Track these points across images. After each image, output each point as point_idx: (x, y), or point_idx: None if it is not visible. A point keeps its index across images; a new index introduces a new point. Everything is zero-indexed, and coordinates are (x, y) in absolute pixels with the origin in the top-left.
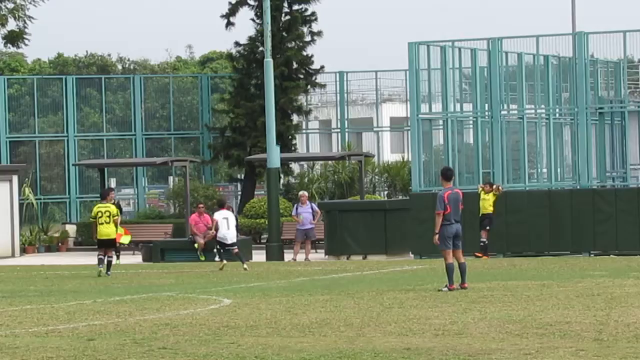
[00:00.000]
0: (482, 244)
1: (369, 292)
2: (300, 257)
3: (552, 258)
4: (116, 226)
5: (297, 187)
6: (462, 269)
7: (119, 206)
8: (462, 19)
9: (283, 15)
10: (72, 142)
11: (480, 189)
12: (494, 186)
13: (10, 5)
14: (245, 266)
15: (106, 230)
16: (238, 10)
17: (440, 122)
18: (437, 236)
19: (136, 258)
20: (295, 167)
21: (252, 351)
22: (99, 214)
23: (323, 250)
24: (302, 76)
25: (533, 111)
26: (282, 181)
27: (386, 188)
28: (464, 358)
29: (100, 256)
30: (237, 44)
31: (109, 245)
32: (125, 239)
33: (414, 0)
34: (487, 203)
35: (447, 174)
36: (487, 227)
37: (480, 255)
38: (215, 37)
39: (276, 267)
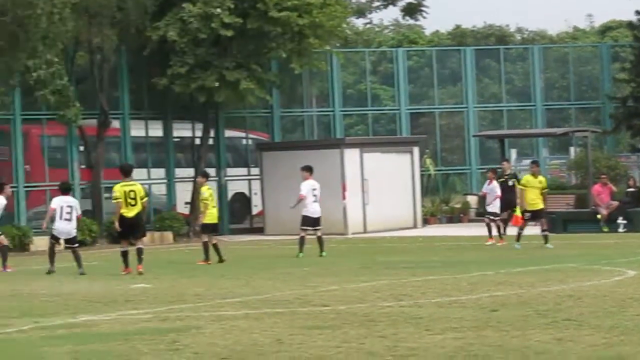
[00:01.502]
0: None
1: None
2: None
3: None
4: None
5: None
6: None
7: (516, 177)
8: None
9: None
10: (471, 113)
11: None
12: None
13: None
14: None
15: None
16: None
17: None
18: None
19: (536, 229)
20: None
21: None
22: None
23: None
24: None
25: None
26: None
27: None
28: None
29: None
30: (637, 12)
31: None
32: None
33: None
34: None
35: None
36: None
37: None
38: (615, 6)
39: None
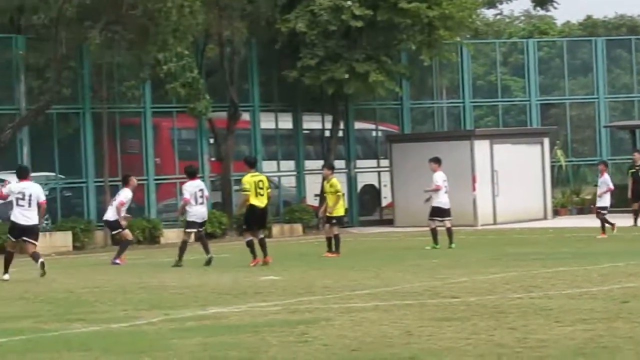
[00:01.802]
0: None
1: None
2: None
3: None
4: None
5: None
6: None
7: None
8: None
9: None
10: (602, 104)
11: None
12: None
13: None
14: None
15: None
16: None
17: None
18: None
19: None
20: None
21: None
22: None
23: None
24: None
25: None
26: None
27: None
28: None
29: None
30: None
31: None
32: None
33: None
34: None
35: None
36: None
37: None
38: None
39: None
